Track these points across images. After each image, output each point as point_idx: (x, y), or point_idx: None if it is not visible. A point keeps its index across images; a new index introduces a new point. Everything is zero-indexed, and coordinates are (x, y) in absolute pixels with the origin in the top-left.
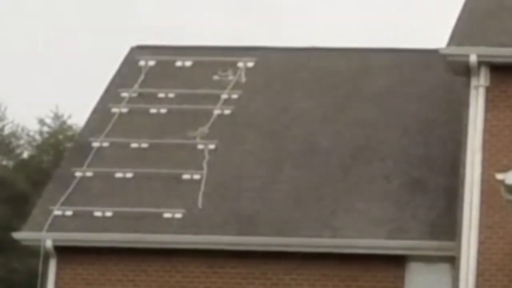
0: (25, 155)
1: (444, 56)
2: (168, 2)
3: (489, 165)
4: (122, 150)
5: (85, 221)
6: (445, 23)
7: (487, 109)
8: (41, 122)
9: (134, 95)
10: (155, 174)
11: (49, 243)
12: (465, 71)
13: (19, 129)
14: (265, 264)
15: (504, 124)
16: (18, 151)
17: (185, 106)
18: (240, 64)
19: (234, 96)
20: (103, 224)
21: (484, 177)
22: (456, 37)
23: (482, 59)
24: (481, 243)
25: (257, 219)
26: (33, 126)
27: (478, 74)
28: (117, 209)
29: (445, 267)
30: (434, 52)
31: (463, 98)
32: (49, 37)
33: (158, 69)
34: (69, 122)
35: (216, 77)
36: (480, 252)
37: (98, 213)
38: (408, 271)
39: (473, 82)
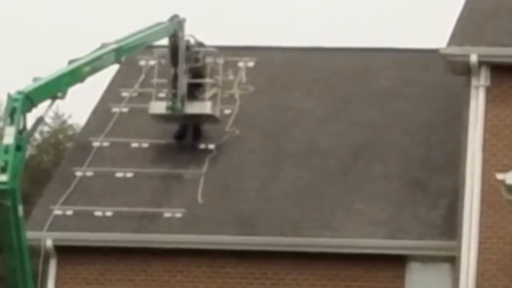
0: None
1: (445, 56)
2: (168, 2)
3: (490, 165)
4: (123, 150)
5: (86, 221)
6: (445, 23)
7: (488, 109)
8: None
9: (135, 94)
10: (155, 174)
11: (49, 243)
12: (466, 71)
13: None
14: (265, 264)
15: (504, 124)
16: None
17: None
18: (241, 64)
19: (235, 95)
20: (104, 224)
21: (484, 177)
22: (457, 37)
23: (483, 59)
24: (481, 243)
25: (257, 219)
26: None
27: (478, 74)
28: (117, 208)
29: (445, 267)
30: (434, 52)
31: (464, 98)
32: (48, 37)
33: (158, 68)
34: (70, 121)
35: (216, 77)
36: (481, 252)
37: (98, 213)
38: (408, 271)
39: (474, 82)
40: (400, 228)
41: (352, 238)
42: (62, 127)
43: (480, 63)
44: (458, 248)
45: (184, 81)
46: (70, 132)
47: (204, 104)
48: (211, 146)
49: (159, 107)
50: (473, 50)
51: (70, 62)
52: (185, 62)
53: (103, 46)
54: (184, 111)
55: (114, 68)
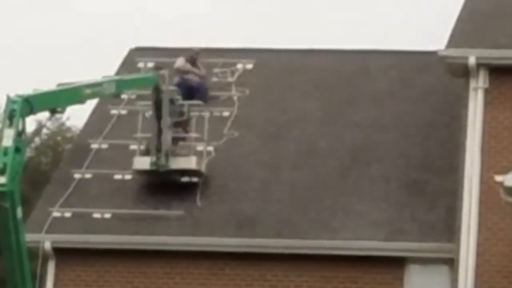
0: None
1: (443, 57)
2: (167, 2)
3: (488, 167)
4: (121, 152)
5: (84, 223)
6: (444, 24)
7: (486, 111)
8: (40, 123)
9: (133, 96)
10: (154, 176)
11: (48, 245)
12: (464, 72)
13: None
14: (264, 266)
15: (503, 125)
16: None
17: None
18: (239, 66)
19: (233, 97)
20: (102, 226)
21: (483, 178)
22: (455, 39)
23: (481, 61)
24: (480, 244)
25: (256, 220)
26: (31, 128)
27: (477, 76)
28: (116, 210)
29: (444, 269)
30: (433, 53)
31: (462, 99)
32: (48, 38)
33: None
34: (68, 123)
35: (215, 79)
36: (479, 254)
37: (97, 215)
38: (407, 273)
39: (472, 83)
40: (399, 230)
41: (351, 240)
42: (61, 129)
43: (479, 65)
44: (457, 250)
45: (168, 135)
46: (68, 134)
47: (190, 159)
48: (210, 148)
49: (143, 162)
50: (471, 52)
51: (59, 86)
52: (170, 116)
53: (104, 77)
54: (168, 167)
55: (112, 70)
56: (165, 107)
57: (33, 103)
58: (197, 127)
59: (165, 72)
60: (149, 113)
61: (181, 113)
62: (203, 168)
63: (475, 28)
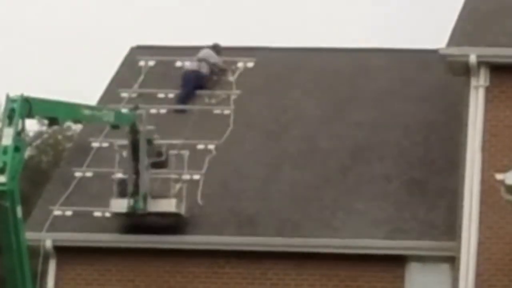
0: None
1: (444, 56)
2: (168, 2)
3: (489, 165)
4: (122, 151)
5: (85, 221)
6: (445, 23)
7: (487, 109)
8: (40, 122)
9: (134, 95)
10: (154, 174)
11: (48, 243)
12: (465, 71)
13: None
14: (264, 264)
15: (503, 124)
16: None
17: (185, 106)
18: (240, 64)
19: (234, 96)
20: (103, 224)
21: (484, 177)
22: (456, 37)
23: (482, 59)
24: (480, 243)
25: (257, 219)
26: (32, 127)
27: (477, 74)
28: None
29: (444, 267)
30: (434, 52)
31: (463, 98)
32: (47, 37)
33: (158, 69)
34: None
35: (215, 77)
36: (480, 252)
37: (97, 213)
38: (407, 271)
39: (473, 82)
40: (399, 229)
41: (351, 238)
42: (61, 127)
43: (480, 64)
44: (458, 249)
45: (146, 177)
46: (69, 133)
47: (169, 201)
48: (211, 147)
49: (119, 205)
50: (472, 50)
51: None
52: (147, 156)
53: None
54: (147, 210)
55: (113, 69)
56: (143, 148)
57: (33, 105)
58: (177, 164)
59: (142, 111)
60: (125, 153)
61: (159, 154)
62: (183, 211)
63: (476, 27)
